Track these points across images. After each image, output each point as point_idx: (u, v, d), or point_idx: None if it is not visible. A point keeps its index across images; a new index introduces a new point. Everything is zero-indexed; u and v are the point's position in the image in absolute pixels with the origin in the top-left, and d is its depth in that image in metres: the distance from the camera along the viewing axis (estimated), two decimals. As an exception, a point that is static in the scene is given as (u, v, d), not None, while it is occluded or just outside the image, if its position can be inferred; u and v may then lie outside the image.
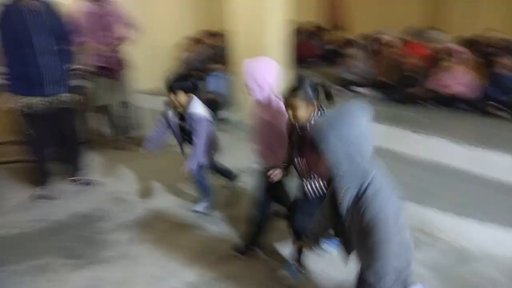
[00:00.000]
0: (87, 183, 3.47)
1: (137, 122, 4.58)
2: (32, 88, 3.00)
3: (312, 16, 8.67)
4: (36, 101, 3.01)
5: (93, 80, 4.06)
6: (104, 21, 4.08)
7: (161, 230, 2.81)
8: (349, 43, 6.52)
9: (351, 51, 5.94)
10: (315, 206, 1.99)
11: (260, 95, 2.31)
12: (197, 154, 2.74)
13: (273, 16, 4.39)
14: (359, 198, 1.47)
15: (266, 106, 2.33)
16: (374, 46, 6.01)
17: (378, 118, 4.08)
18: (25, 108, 3.01)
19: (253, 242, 2.49)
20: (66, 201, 3.22)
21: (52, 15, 3.06)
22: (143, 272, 2.37)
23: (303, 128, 2.10)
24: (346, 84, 5.61)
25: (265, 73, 2.28)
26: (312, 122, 2.03)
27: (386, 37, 5.85)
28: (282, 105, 2.17)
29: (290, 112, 2.06)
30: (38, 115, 3.03)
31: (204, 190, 2.95)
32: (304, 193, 2.14)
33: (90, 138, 4.15)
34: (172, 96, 2.77)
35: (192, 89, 2.81)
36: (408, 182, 2.98)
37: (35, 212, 3.05)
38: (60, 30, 3.09)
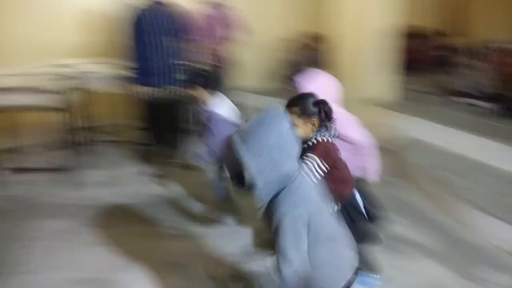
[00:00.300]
0: (188, 167, 3.88)
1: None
2: (153, 80, 3.48)
3: (430, 20, 8.18)
4: (155, 91, 3.49)
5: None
6: (219, 23, 4.51)
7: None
8: (465, 49, 6.05)
9: (466, 58, 5.53)
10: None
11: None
12: (205, 150, 2.78)
13: (377, 21, 4.33)
14: (272, 200, 1.41)
15: None
16: (492, 55, 5.50)
17: (494, 134, 3.77)
18: (146, 97, 3.50)
19: None
20: (168, 180, 3.67)
21: (174, 17, 3.52)
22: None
23: (303, 147, 1.91)
24: (460, 95, 5.23)
25: (322, 90, 2.03)
26: (314, 140, 1.91)
27: (505, 46, 5.31)
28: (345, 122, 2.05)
29: None
30: (155, 103, 3.52)
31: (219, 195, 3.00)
32: None
33: (192, 128, 4.60)
34: (193, 91, 2.82)
35: (207, 86, 2.80)
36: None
37: (144, 187, 3.52)
38: (179, 31, 3.53)
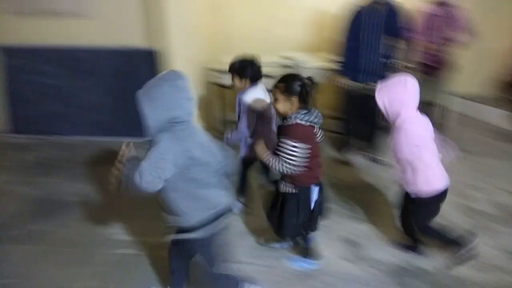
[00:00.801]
0: (375, 160, 4.07)
1: (442, 123, 4.65)
2: (359, 75, 3.74)
3: None
4: (355, 85, 3.76)
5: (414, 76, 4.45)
6: (440, 23, 4.34)
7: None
8: None
9: None
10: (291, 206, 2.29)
11: (389, 117, 2.27)
12: (237, 134, 2.81)
13: None
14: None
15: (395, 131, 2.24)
16: None
17: None
18: (349, 89, 3.82)
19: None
20: (357, 169, 3.96)
21: (390, 15, 3.61)
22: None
23: (282, 122, 2.18)
24: None
25: (394, 95, 2.19)
26: (293, 121, 2.09)
27: None
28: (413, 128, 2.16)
29: (274, 103, 2.17)
30: (354, 96, 3.79)
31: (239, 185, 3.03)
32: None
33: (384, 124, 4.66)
34: (231, 78, 2.79)
35: (243, 75, 2.72)
36: None
37: (334, 172, 3.88)
38: (393, 29, 3.61)
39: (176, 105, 1.75)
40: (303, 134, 2.10)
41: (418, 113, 2.27)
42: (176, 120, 1.76)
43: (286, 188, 2.27)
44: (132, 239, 2.87)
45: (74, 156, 4.25)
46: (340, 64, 3.83)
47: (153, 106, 1.72)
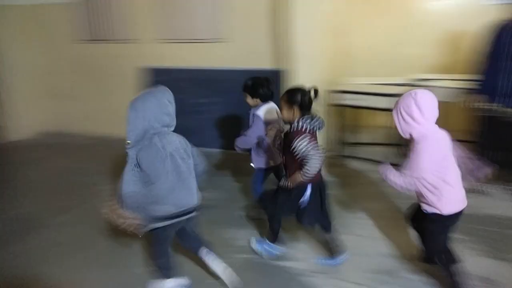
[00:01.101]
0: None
1: None
2: (494, 96, 3.46)
3: None
4: (495, 108, 3.46)
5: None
6: None
7: None
8: None
9: None
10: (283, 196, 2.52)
11: (402, 133, 2.18)
12: (242, 140, 3.02)
13: None
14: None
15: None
16: None
17: None
18: (485, 112, 3.53)
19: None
20: (492, 199, 3.57)
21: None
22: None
23: (287, 130, 2.47)
24: None
25: (407, 108, 2.10)
26: (297, 126, 2.36)
27: None
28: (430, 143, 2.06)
29: (280, 111, 2.52)
30: (493, 120, 3.49)
31: (254, 195, 3.15)
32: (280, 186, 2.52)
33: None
34: (244, 96, 3.09)
35: (255, 94, 3.03)
36: None
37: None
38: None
39: (155, 118, 2.07)
40: (309, 138, 2.34)
41: None
42: (152, 131, 2.08)
43: (285, 183, 2.47)
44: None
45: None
46: (478, 84, 3.58)
47: (135, 116, 2.04)
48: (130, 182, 2.07)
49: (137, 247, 2.95)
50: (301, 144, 2.28)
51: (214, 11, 4.86)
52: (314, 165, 2.27)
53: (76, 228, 3.33)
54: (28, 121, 5.97)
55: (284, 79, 4.43)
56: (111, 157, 4.90)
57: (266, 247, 2.78)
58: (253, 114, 3.06)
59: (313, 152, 2.27)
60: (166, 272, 2.38)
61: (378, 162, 2.68)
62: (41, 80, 6.01)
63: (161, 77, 5.26)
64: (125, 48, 5.40)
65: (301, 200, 2.47)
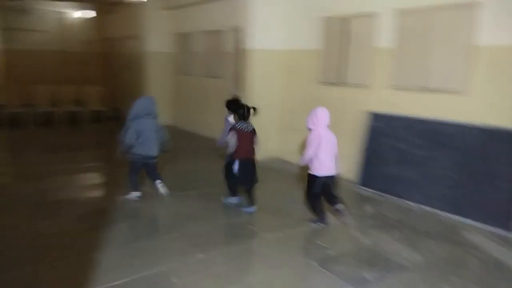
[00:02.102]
0: None
1: None
2: None
3: None
4: None
5: None
6: None
7: None
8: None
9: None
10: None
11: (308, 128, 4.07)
12: (221, 139, 4.79)
13: None
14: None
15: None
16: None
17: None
18: None
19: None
20: None
21: None
22: None
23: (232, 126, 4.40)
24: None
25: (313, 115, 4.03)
26: (235, 126, 4.31)
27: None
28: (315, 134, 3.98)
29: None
30: None
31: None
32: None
33: None
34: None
35: (229, 108, 4.70)
36: None
37: None
38: None
39: (141, 109, 4.47)
40: (237, 131, 4.26)
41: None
42: (139, 115, 4.44)
43: (228, 159, 4.47)
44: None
45: (407, 220, 4.30)
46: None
47: (134, 106, 4.47)
48: (127, 136, 4.42)
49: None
50: (229, 135, 4.31)
51: (455, 61, 4.54)
52: (230, 147, 4.32)
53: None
54: (264, 148, 6.89)
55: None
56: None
57: (230, 200, 4.66)
58: (226, 121, 4.78)
59: (230, 140, 4.29)
60: (133, 186, 4.71)
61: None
62: (282, 115, 6.89)
63: (378, 121, 5.26)
64: (356, 92, 5.63)
65: (233, 169, 4.32)
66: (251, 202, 4.44)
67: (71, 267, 3.13)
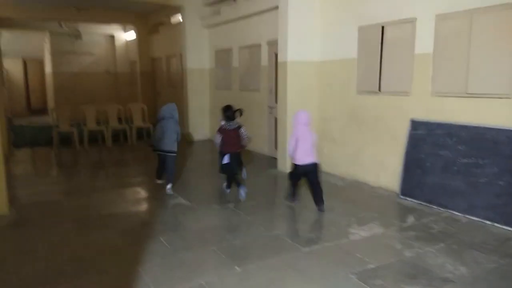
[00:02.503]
0: None
1: None
2: None
3: None
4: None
5: None
6: None
7: None
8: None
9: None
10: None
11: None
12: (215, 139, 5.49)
13: None
14: None
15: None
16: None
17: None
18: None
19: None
20: None
21: None
22: None
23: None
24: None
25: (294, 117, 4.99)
26: (223, 125, 5.31)
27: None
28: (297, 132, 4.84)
29: None
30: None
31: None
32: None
33: None
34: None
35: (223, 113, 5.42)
36: None
37: None
38: None
39: (166, 112, 5.72)
40: (220, 130, 5.30)
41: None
42: (163, 117, 5.69)
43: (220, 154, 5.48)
44: None
45: (452, 231, 4.11)
46: None
47: (160, 111, 5.81)
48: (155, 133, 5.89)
49: None
50: (216, 135, 5.36)
51: (499, 65, 4.33)
52: (216, 144, 5.39)
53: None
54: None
55: None
56: (364, 203, 5.03)
57: (224, 187, 5.62)
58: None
59: (215, 139, 5.36)
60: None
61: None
62: (319, 126, 6.85)
63: (419, 129, 5.10)
64: (396, 100, 5.50)
65: (223, 161, 5.24)
66: (239, 184, 5.30)
67: (115, 279, 3.26)
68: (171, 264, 3.48)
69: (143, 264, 3.46)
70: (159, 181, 6.02)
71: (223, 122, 5.35)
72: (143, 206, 5.39)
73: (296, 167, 4.88)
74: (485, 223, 4.30)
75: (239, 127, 5.28)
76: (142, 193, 6.00)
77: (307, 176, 4.93)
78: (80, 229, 4.36)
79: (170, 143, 5.59)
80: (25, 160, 8.63)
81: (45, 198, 5.59)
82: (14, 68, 17.11)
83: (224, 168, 5.32)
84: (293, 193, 5.15)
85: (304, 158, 4.76)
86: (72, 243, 4.00)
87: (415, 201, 5.04)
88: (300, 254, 3.69)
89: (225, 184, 5.54)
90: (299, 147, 4.73)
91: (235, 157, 5.33)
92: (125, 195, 5.81)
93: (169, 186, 5.61)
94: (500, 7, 4.25)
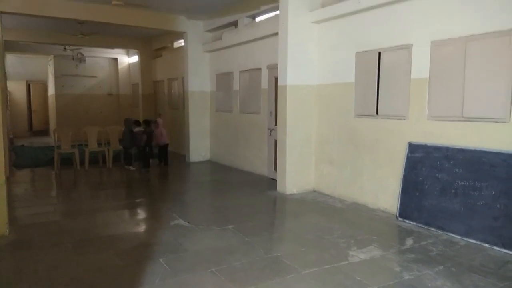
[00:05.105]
0: None
1: None
2: None
3: None
4: None
5: None
6: None
7: None
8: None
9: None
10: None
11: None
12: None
13: None
14: None
15: None
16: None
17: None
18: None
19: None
20: None
21: None
22: None
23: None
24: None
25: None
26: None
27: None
28: None
29: None
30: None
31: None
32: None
33: None
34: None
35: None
36: None
37: None
38: None
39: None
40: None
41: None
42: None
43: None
44: None
45: (451, 254, 4.12)
46: None
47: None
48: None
49: None
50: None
51: (494, 89, 4.44)
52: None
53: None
54: (297, 181, 6.94)
55: None
56: (363, 225, 5.02)
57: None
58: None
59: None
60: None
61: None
62: (317, 148, 6.94)
63: (416, 152, 5.16)
64: (393, 124, 5.59)
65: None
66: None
67: (113, 300, 3.26)
68: (171, 285, 3.48)
69: (142, 285, 3.46)
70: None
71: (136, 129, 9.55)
72: (143, 227, 5.39)
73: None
74: (483, 245, 4.31)
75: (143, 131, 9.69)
76: (142, 214, 6.01)
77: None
78: (79, 250, 4.37)
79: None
80: (25, 181, 8.66)
81: (44, 218, 5.60)
82: (17, 90, 17.33)
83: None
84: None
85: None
86: (71, 264, 4.00)
87: (413, 223, 5.06)
88: (299, 276, 3.68)
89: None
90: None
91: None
92: (125, 216, 5.82)
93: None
94: (494, 34, 4.39)
